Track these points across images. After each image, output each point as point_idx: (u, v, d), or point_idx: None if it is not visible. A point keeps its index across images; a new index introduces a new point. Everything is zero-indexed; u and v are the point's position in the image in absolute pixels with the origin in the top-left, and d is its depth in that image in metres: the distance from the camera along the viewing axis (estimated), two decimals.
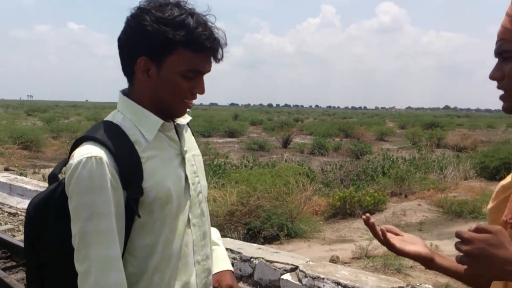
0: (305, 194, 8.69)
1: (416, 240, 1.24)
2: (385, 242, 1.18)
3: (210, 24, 1.27)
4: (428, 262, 1.20)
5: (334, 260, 6.24)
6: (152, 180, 1.23)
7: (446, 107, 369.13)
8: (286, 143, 25.16)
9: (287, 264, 4.24)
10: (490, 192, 8.21)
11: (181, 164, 1.35)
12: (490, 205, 1.13)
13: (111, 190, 1.16)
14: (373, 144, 24.45)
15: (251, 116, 56.91)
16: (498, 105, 1.12)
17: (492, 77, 1.08)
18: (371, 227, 1.18)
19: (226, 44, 1.29)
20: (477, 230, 0.93)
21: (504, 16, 1.08)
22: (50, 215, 1.25)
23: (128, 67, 1.29)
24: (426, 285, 3.83)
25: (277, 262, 4.25)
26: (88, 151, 1.18)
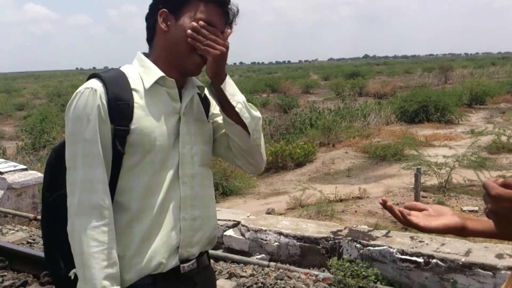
0: None
1: (444, 210, 1.14)
2: (407, 222, 1.10)
3: None
4: (459, 231, 1.11)
5: (270, 212, 6.43)
6: (139, 124, 1.30)
7: (366, 56, 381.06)
8: None
9: (229, 220, 4.31)
10: (410, 135, 8.74)
11: (177, 123, 1.39)
12: None
13: (99, 120, 1.27)
14: (299, 97, 24.95)
15: None
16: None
17: None
18: (389, 209, 1.11)
19: (237, 10, 1.40)
20: (505, 185, 0.83)
21: None
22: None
23: (151, 27, 1.40)
24: (362, 226, 4.06)
25: (218, 219, 4.30)
26: (89, 84, 1.30)
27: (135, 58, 1.43)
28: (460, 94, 18.06)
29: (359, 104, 19.27)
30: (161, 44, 1.39)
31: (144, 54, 1.43)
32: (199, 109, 1.49)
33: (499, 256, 3.25)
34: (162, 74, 1.36)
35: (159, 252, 1.34)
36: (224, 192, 7.90)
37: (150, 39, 1.42)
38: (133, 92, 1.33)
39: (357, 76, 38.70)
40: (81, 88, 1.30)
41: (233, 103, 1.41)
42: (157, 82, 1.36)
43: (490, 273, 3.15)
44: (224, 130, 1.50)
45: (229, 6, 1.39)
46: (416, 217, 1.11)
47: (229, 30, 1.40)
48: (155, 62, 1.39)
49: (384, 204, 1.11)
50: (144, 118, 1.32)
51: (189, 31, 1.32)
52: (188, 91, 1.44)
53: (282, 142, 10.93)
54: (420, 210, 1.14)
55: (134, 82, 1.35)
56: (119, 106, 1.29)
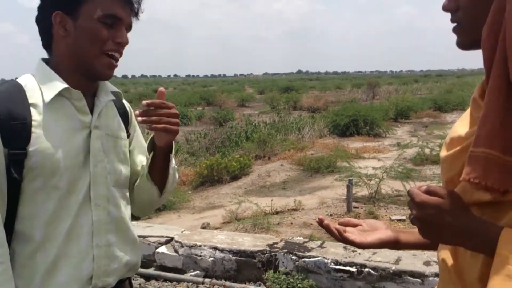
0: None
1: (377, 224, 1.18)
2: (344, 240, 1.12)
3: None
4: (393, 245, 1.14)
5: (205, 227, 6.33)
6: (39, 145, 1.15)
7: (299, 71, 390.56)
8: None
9: (162, 236, 4.18)
10: (342, 148, 8.95)
11: (87, 138, 1.25)
12: (444, 153, 1.03)
13: None
14: (235, 111, 25.00)
15: None
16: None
17: (446, 8, 0.97)
18: (326, 228, 1.12)
19: None
20: (428, 192, 0.88)
21: None
22: None
23: (46, 31, 1.24)
24: (298, 238, 4.08)
25: (150, 236, 4.16)
26: None
27: (36, 65, 1.26)
28: (387, 109, 19.01)
29: (294, 117, 19.62)
30: (62, 50, 1.23)
31: (45, 60, 1.27)
32: (114, 120, 1.36)
33: (427, 263, 3.37)
34: (65, 85, 1.20)
35: (66, 286, 1.20)
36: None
37: (47, 45, 1.26)
38: (31, 108, 1.17)
39: (291, 90, 39.59)
40: None
41: (170, 170, 1.36)
42: (60, 94, 1.20)
43: (419, 280, 3.26)
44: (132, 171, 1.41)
45: None
46: (352, 234, 1.13)
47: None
48: (57, 69, 1.23)
49: (321, 223, 1.12)
50: (45, 138, 1.16)
51: (138, 114, 1.21)
52: (100, 100, 1.30)
53: (217, 155, 10.86)
54: (355, 225, 1.17)
55: (33, 95, 1.19)
56: (14, 126, 1.13)
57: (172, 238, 4.13)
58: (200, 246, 3.93)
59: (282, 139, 13.14)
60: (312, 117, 18.33)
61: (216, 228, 6.30)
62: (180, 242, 4.01)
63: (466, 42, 0.96)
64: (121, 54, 1.27)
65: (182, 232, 4.28)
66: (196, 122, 21.04)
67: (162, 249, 4.06)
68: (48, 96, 1.19)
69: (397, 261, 3.42)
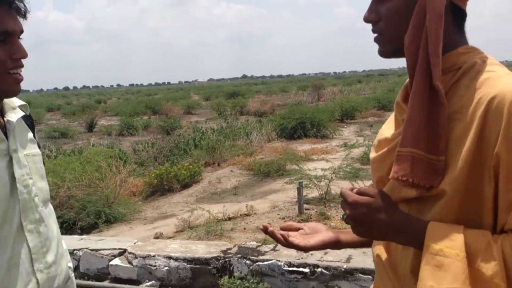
0: (119, 176, 8.48)
1: (318, 227, 1.22)
2: (289, 245, 1.15)
3: None
4: (335, 245, 1.19)
5: (158, 237, 6.27)
6: None
7: (244, 76, 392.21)
8: (91, 127, 23.89)
9: (114, 249, 4.11)
10: (291, 151, 9.06)
11: (9, 165, 1.20)
12: (373, 154, 1.10)
13: None
14: (181, 118, 24.83)
15: (46, 102, 52.68)
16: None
17: (367, 19, 1.00)
18: (271, 235, 1.15)
19: None
20: (360, 193, 0.94)
21: None
22: None
23: None
24: (251, 242, 4.13)
25: (103, 249, 4.09)
26: None
27: None
28: (332, 110, 19.40)
29: (241, 122, 19.72)
30: None
31: None
32: (27, 136, 1.31)
33: None
34: None
35: None
36: (108, 219, 7.53)
37: None
38: None
39: (237, 95, 39.69)
40: None
41: None
42: None
43: (370, 276, 3.38)
44: None
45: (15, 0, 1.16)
46: (295, 238, 1.16)
47: None
48: None
49: (265, 231, 1.15)
50: None
51: None
52: (10, 120, 1.23)
53: (166, 164, 10.75)
54: (297, 229, 1.20)
55: None
56: None
57: (125, 250, 4.07)
58: (154, 256, 3.90)
59: (231, 145, 13.17)
60: (260, 122, 18.49)
61: (169, 238, 6.24)
62: (133, 253, 3.96)
63: (388, 51, 1.02)
64: (23, 66, 1.20)
65: (135, 243, 4.23)
66: (143, 132, 20.71)
67: (116, 261, 4.00)
68: None
69: (348, 260, 3.53)
